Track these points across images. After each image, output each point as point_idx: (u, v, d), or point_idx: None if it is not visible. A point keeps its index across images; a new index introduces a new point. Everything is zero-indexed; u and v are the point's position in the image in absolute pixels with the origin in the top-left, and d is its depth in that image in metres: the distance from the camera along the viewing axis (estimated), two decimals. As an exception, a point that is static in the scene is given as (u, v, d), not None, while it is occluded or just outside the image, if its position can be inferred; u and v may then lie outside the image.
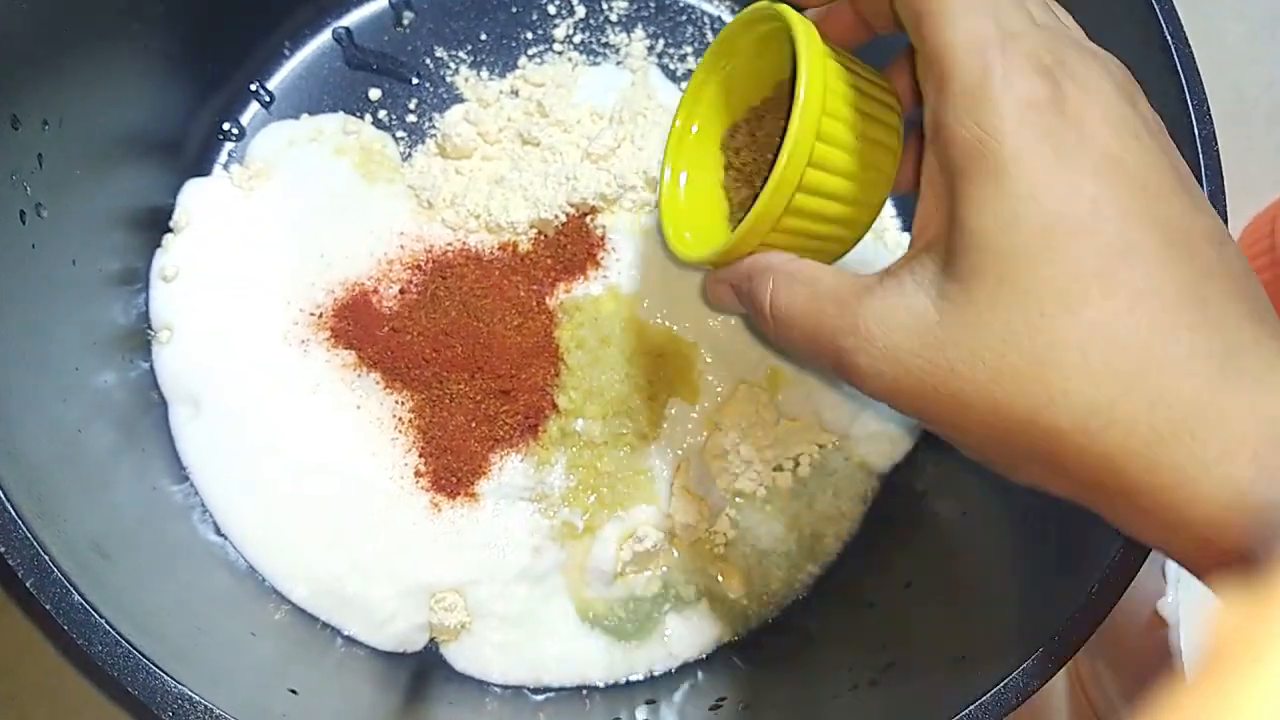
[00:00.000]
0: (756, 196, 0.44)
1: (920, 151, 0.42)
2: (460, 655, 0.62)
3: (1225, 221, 0.52)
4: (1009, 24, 0.36)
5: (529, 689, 0.62)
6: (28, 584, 0.40)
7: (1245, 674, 0.16)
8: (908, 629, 0.58)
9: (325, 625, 0.61)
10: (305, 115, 0.69)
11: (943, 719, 0.44)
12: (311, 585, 0.61)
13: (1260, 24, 0.85)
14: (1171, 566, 0.57)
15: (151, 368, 0.62)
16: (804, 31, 0.43)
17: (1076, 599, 0.46)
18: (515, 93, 0.72)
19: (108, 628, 0.41)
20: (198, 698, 0.41)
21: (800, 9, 0.46)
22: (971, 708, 0.44)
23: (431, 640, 0.62)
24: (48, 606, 0.40)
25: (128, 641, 0.40)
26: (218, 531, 0.61)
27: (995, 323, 0.34)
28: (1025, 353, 0.34)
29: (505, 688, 0.62)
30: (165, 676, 0.41)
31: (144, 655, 0.41)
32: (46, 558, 0.41)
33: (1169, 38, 0.55)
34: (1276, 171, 0.82)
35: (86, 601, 0.41)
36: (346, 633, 0.61)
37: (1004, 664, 0.45)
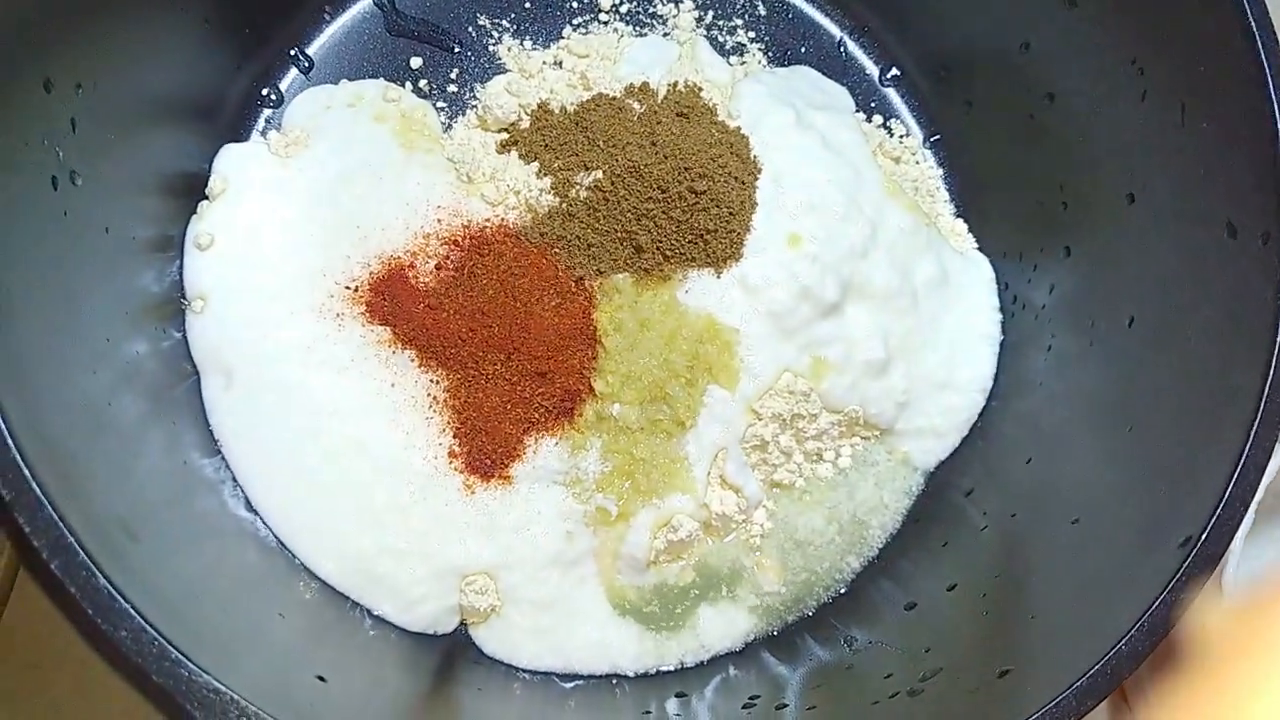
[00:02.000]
0: None
1: None
2: (490, 639, 0.61)
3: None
4: None
5: (558, 675, 0.61)
6: (53, 565, 0.40)
7: (1252, 671, 0.16)
8: (951, 635, 0.56)
9: (355, 605, 0.60)
10: (345, 81, 0.68)
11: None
12: (342, 563, 0.60)
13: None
14: (1229, 578, 0.55)
15: (184, 338, 0.61)
16: None
17: (1135, 613, 0.44)
18: (559, 64, 0.70)
19: (133, 613, 0.40)
20: (224, 688, 0.40)
21: None
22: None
23: (461, 623, 0.61)
24: (73, 590, 0.40)
25: (153, 628, 0.40)
26: (249, 507, 0.60)
27: None
28: None
29: (534, 674, 0.61)
30: (191, 664, 0.40)
31: (170, 642, 0.40)
32: (72, 539, 0.40)
33: (1253, 23, 0.52)
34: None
35: (112, 585, 0.40)
36: (376, 613, 0.60)
37: (1054, 681, 0.43)
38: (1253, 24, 0.52)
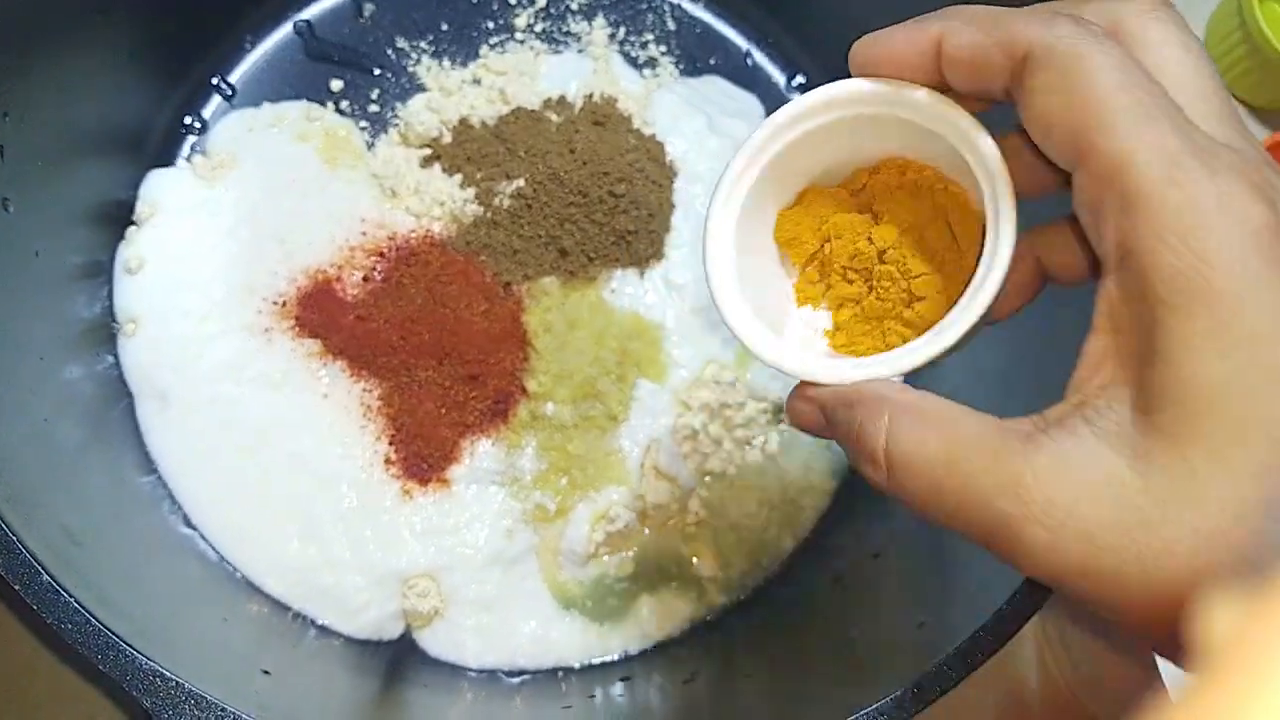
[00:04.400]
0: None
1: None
2: (434, 641, 0.62)
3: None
4: (1196, 136, 0.30)
5: (504, 672, 0.63)
6: (-5, 565, 0.40)
7: (1257, 678, 0.15)
8: (875, 599, 0.59)
9: (298, 615, 0.61)
10: (266, 104, 0.69)
11: (900, 682, 0.44)
12: (283, 576, 0.61)
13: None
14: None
15: (118, 361, 0.62)
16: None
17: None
18: (477, 81, 0.72)
19: (77, 607, 0.41)
20: (169, 674, 0.41)
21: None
22: (930, 668, 0.45)
23: (407, 628, 0.62)
24: (16, 587, 0.40)
25: (97, 620, 0.41)
26: (188, 524, 0.60)
27: (1226, 495, 0.28)
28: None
29: (481, 671, 0.62)
30: (136, 654, 0.41)
31: (114, 633, 0.41)
32: (14, 538, 0.41)
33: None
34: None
35: (56, 582, 0.41)
36: (320, 622, 0.61)
37: (965, 625, 0.46)
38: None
